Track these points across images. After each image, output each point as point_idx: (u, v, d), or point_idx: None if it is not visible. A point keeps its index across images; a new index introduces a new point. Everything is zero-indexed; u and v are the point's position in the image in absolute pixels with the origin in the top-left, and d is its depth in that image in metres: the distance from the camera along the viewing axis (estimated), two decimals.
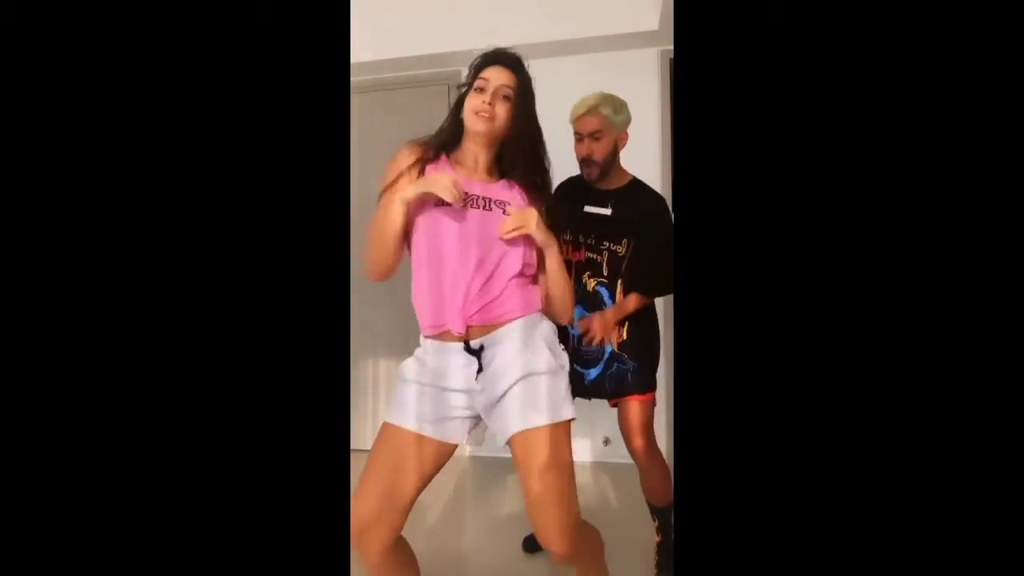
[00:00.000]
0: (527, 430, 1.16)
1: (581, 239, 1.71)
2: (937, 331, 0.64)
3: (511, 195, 1.27)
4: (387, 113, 3.10)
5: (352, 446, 3.12)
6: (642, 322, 1.74)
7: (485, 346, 1.21)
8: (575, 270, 1.71)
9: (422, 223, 1.22)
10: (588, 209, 1.71)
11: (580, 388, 1.75)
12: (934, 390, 0.64)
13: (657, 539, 1.80)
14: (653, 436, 1.72)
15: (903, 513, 0.64)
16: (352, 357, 2.97)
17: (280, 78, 0.73)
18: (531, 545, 1.96)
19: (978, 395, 0.63)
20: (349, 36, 0.82)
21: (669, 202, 1.77)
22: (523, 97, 1.27)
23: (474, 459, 2.96)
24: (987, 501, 0.63)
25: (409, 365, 1.25)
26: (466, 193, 1.21)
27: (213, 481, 0.70)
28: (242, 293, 0.72)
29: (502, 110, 1.23)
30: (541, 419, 1.17)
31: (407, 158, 1.26)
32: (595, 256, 1.70)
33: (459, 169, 1.26)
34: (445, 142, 1.29)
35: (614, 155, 1.70)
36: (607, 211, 1.69)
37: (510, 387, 1.18)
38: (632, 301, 1.67)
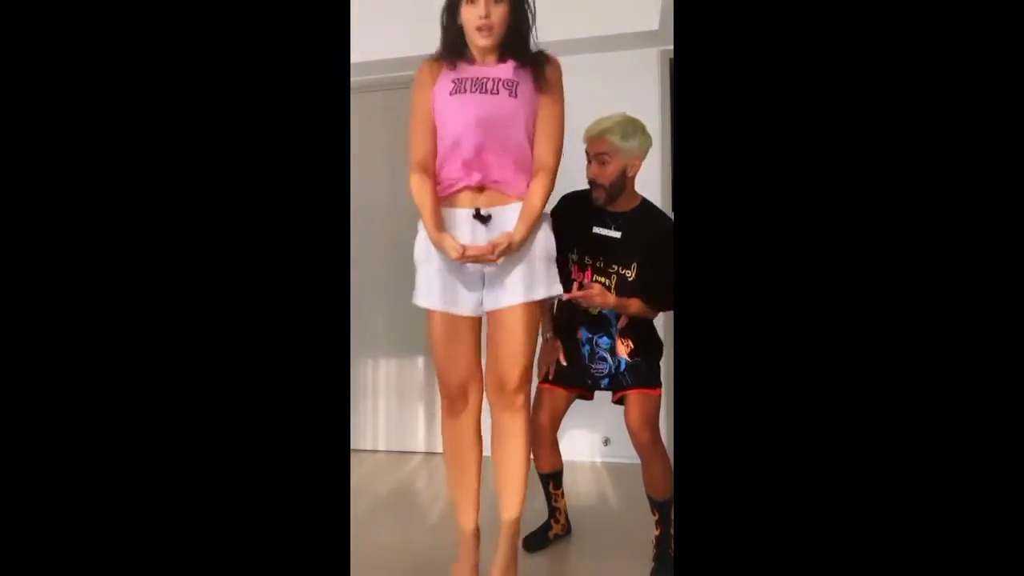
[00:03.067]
0: (519, 304, 1.40)
1: (588, 260, 1.72)
2: (934, 329, 0.64)
3: (517, 74, 1.43)
4: (387, 113, 3.09)
5: (352, 446, 3.13)
6: (645, 339, 1.79)
7: (494, 216, 1.38)
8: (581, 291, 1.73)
9: (440, 105, 1.41)
10: (597, 230, 1.71)
11: (589, 388, 1.82)
12: (931, 386, 0.64)
13: (656, 532, 1.81)
14: (658, 430, 1.74)
15: (902, 508, 0.64)
16: (352, 357, 2.97)
17: (280, 78, 0.73)
18: (531, 545, 1.96)
19: (978, 387, 0.63)
20: (349, 36, 0.82)
21: (669, 202, 1.78)
22: None
23: None
24: (987, 496, 0.63)
25: (420, 244, 1.44)
26: (477, 78, 1.41)
27: (214, 481, 0.70)
28: (242, 293, 0.72)
29: (497, 15, 1.39)
30: (531, 295, 1.41)
31: (429, 73, 1.46)
32: (603, 280, 1.71)
33: (474, 65, 1.45)
34: (455, 52, 1.47)
35: (622, 179, 1.68)
36: (616, 234, 1.69)
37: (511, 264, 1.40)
38: (635, 304, 1.68)
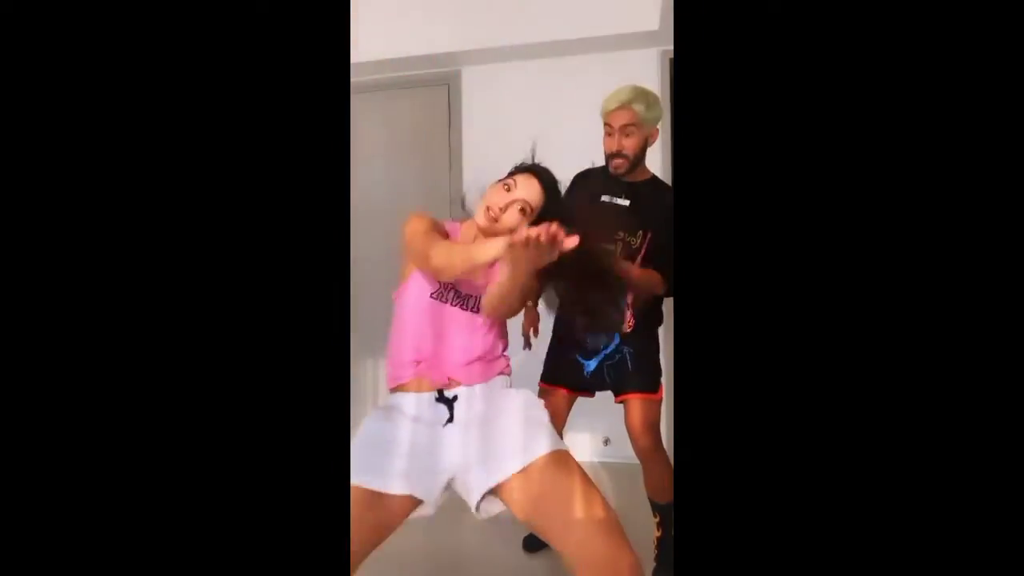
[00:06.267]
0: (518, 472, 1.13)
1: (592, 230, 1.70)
2: (936, 328, 0.64)
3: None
4: (387, 113, 3.10)
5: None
6: (649, 317, 1.74)
7: (460, 397, 1.23)
8: None
9: (413, 299, 1.28)
10: (605, 198, 1.70)
11: (580, 380, 1.75)
12: (933, 387, 0.64)
13: (657, 534, 1.80)
14: (659, 435, 1.72)
15: (903, 510, 0.64)
16: (352, 357, 2.96)
17: (280, 78, 0.73)
18: (531, 545, 1.96)
19: (979, 388, 0.63)
20: (349, 36, 0.82)
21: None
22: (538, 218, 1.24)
23: None
24: (987, 498, 0.63)
25: (374, 420, 1.26)
26: (460, 291, 1.27)
27: (213, 481, 0.70)
28: (242, 294, 0.72)
29: (511, 219, 1.22)
30: (526, 458, 1.13)
31: (424, 224, 1.26)
32: (608, 246, 1.69)
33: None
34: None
35: (643, 151, 1.70)
36: (625, 202, 1.68)
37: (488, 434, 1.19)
38: (643, 273, 1.62)
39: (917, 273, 0.65)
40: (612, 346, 1.70)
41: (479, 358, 1.26)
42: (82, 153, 0.69)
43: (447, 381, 1.23)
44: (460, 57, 2.88)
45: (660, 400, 1.72)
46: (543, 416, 1.22)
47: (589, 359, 1.73)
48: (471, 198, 1.33)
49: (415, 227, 1.25)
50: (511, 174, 1.29)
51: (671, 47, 2.75)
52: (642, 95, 1.68)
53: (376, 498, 1.13)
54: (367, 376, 3.14)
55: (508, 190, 1.24)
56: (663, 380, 1.78)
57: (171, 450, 0.69)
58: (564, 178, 1.80)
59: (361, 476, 1.13)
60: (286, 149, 0.73)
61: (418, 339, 1.26)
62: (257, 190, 0.72)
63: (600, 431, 2.85)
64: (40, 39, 0.68)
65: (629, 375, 1.70)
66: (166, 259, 0.70)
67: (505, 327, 1.34)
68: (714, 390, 0.69)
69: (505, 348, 1.35)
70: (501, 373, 1.31)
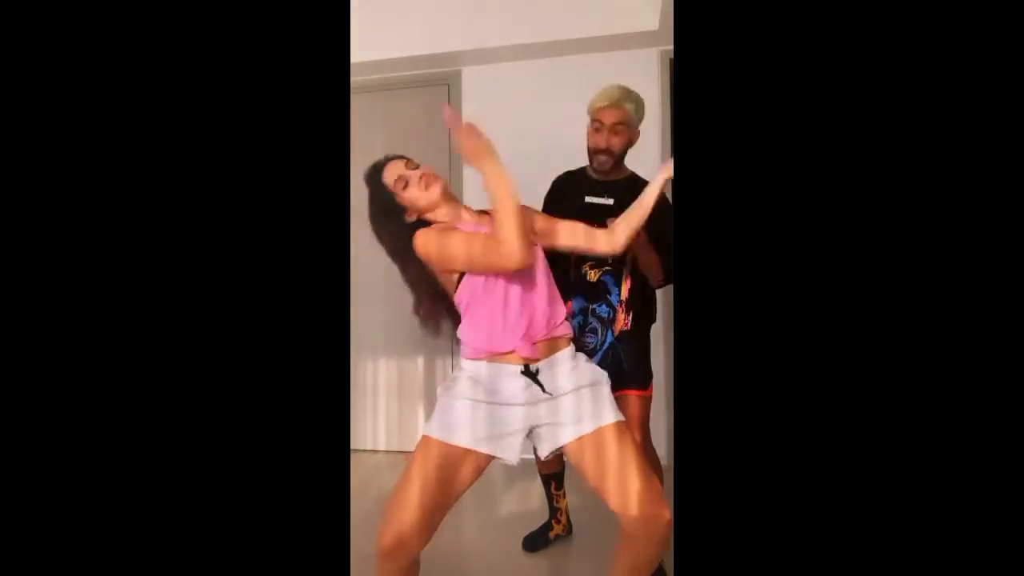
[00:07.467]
0: (589, 433, 1.29)
1: None
2: (935, 326, 0.64)
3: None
4: (387, 113, 3.10)
5: (352, 446, 3.12)
6: (643, 315, 1.76)
7: (541, 369, 1.30)
8: (575, 260, 1.72)
9: (477, 282, 1.32)
10: (589, 199, 1.72)
11: None
12: (933, 387, 0.64)
13: None
14: (648, 433, 1.74)
15: (903, 512, 0.64)
16: (352, 357, 2.97)
17: (280, 78, 0.73)
18: (531, 545, 1.96)
19: (978, 386, 0.63)
20: (349, 36, 0.82)
21: (669, 201, 1.78)
22: None
23: None
24: (987, 501, 0.63)
25: (460, 382, 1.34)
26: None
27: (214, 481, 0.70)
28: (243, 294, 0.72)
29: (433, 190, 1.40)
30: (593, 424, 1.29)
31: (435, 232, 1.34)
32: None
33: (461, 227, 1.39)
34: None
35: (626, 151, 1.74)
36: (609, 201, 1.70)
37: (565, 400, 1.31)
38: (648, 251, 1.65)
39: (914, 272, 0.65)
40: (607, 345, 1.72)
41: (551, 329, 1.34)
42: (83, 156, 0.69)
43: (535, 357, 1.31)
44: (460, 57, 2.88)
45: (650, 396, 1.73)
46: (607, 390, 1.38)
47: (588, 360, 1.75)
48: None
49: (433, 239, 1.32)
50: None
51: (671, 47, 2.75)
52: (631, 95, 1.72)
53: (463, 454, 1.27)
54: (367, 376, 3.14)
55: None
56: (660, 380, 1.79)
57: (171, 449, 0.69)
58: (557, 173, 1.80)
59: (447, 434, 1.27)
60: (286, 149, 0.73)
61: (496, 314, 1.31)
62: (257, 190, 0.72)
63: None
64: (41, 38, 0.68)
65: (624, 373, 1.72)
66: (166, 258, 0.70)
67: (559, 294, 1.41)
68: (713, 388, 0.69)
69: (564, 313, 1.40)
70: (569, 341, 1.39)
